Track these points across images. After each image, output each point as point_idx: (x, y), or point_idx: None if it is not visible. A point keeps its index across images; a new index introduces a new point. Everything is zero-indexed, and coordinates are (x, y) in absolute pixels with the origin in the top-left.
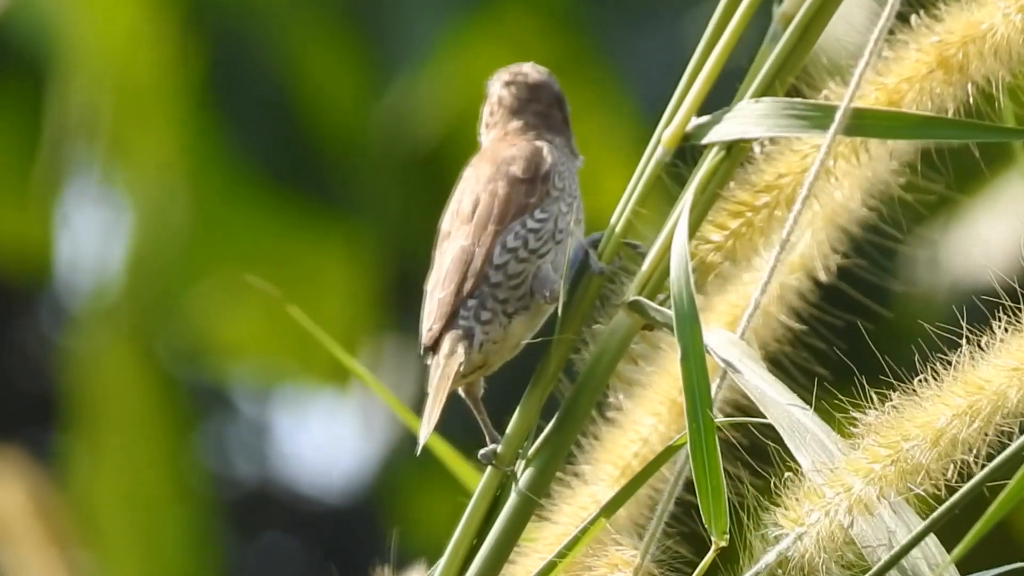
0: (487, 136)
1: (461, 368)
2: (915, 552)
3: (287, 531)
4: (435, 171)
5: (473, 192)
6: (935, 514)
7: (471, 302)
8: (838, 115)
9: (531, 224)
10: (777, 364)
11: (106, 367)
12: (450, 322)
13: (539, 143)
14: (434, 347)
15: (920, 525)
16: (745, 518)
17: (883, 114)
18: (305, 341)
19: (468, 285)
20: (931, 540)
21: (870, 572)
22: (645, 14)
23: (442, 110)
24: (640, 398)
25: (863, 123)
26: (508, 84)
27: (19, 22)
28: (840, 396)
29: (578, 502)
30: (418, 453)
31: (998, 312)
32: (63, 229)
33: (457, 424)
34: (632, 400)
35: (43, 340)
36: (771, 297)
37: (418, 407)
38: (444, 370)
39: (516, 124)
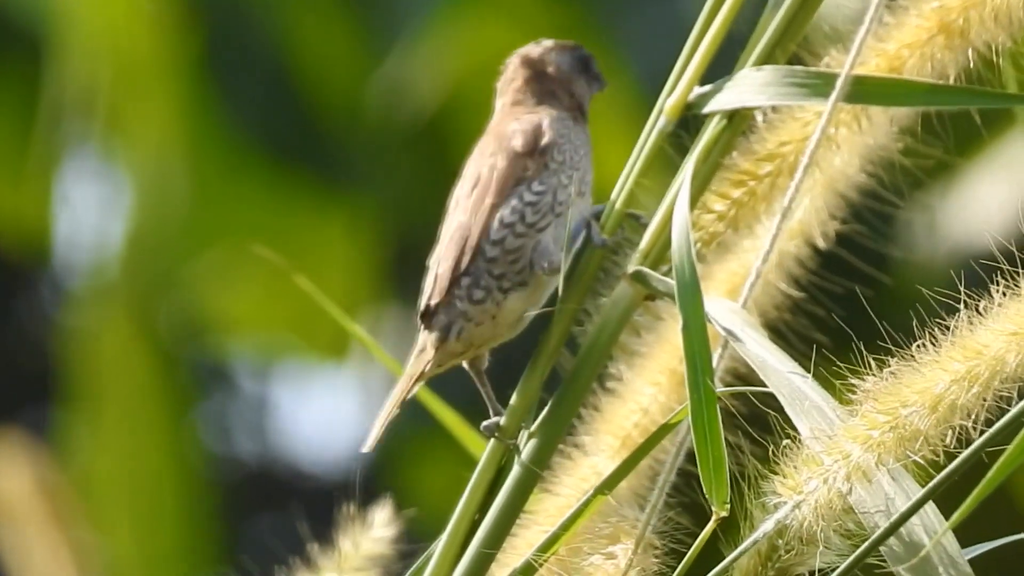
0: (497, 111)
1: (427, 368)
2: (914, 519)
3: (287, 508)
4: (434, 142)
5: (476, 167)
6: (934, 481)
7: (465, 280)
8: (839, 83)
9: (528, 197)
10: (776, 331)
11: (106, 344)
12: (447, 297)
13: (540, 116)
14: (428, 323)
15: (919, 492)
16: (746, 487)
17: (884, 81)
18: (305, 314)
19: (465, 260)
20: (930, 507)
21: (869, 540)
22: None
23: (441, 81)
24: (640, 368)
25: (864, 90)
26: (514, 60)
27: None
28: (839, 363)
29: (579, 473)
30: (366, 449)
31: (996, 277)
32: (62, 206)
33: (462, 394)
34: (632, 370)
35: (43, 318)
36: (770, 264)
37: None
38: (409, 370)
39: (520, 98)
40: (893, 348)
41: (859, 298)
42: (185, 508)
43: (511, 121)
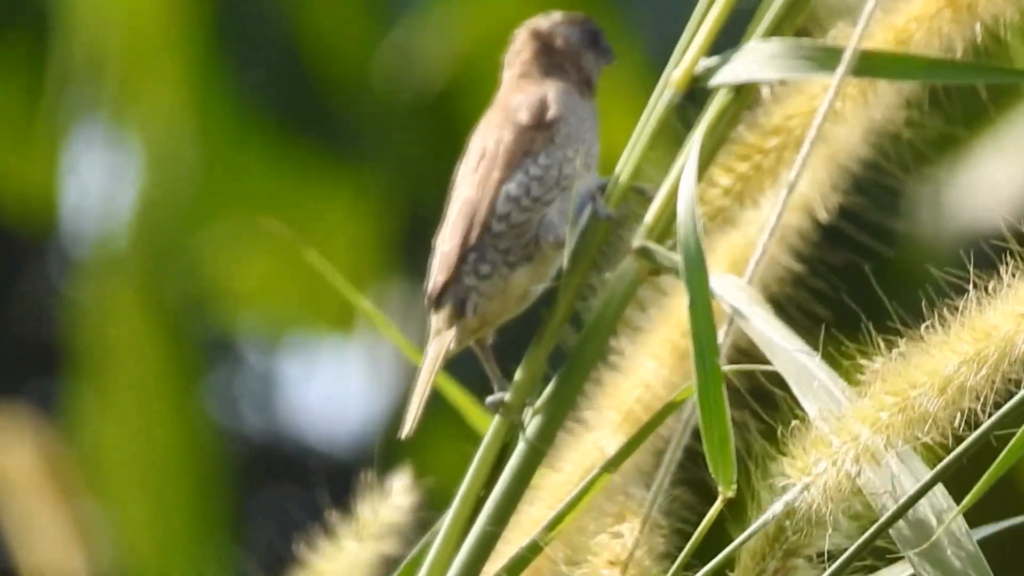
0: (503, 84)
1: (451, 346)
2: (923, 502)
3: (295, 482)
4: (443, 115)
5: (482, 141)
6: (943, 463)
7: (472, 255)
8: (846, 56)
9: (534, 171)
10: (779, 306)
11: (113, 316)
12: (455, 275)
13: (546, 88)
14: (438, 303)
15: (927, 474)
16: (752, 467)
17: (891, 56)
18: (312, 287)
19: (473, 236)
20: (939, 490)
21: (878, 522)
22: None
23: (449, 53)
24: (642, 343)
25: (872, 64)
26: (522, 32)
27: None
28: (846, 342)
29: (581, 448)
30: (403, 436)
31: (1005, 256)
32: (69, 176)
33: (471, 370)
34: (634, 345)
35: (50, 289)
36: (776, 239)
37: (423, 352)
38: (432, 352)
39: (527, 71)
40: (900, 327)
41: (864, 273)
42: (193, 481)
43: (517, 94)
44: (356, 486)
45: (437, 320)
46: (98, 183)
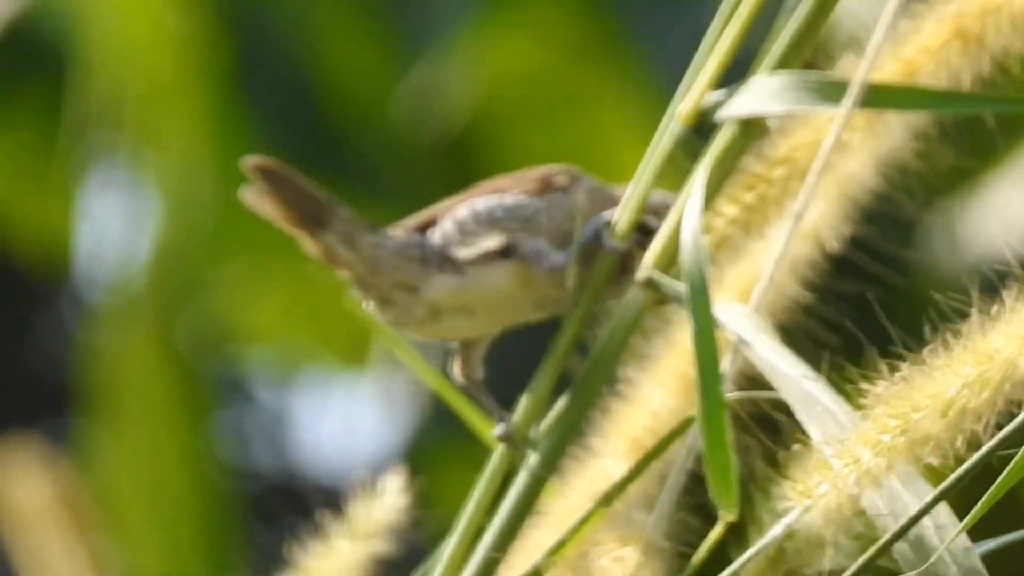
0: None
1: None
2: (925, 521)
3: (308, 519)
4: (461, 156)
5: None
6: (945, 483)
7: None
8: (853, 88)
9: (508, 200)
10: (787, 334)
11: (125, 357)
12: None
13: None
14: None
15: (929, 494)
16: (753, 490)
17: (898, 87)
18: (326, 326)
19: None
20: (942, 508)
21: (880, 542)
22: None
23: (468, 95)
24: (649, 372)
25: (879, 96)
26: None
27: (42, 9)
28: (849, 366)
29: (588, 475)
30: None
31: (1007, 281)
32: (84, 220)
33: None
34: (642, 373)
35: (64, 332)
36: (782, 268)
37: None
38: None
39: None
40: (904, 352)
41: (868, 301)
42: (204, 520)
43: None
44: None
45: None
46: (114, 227)
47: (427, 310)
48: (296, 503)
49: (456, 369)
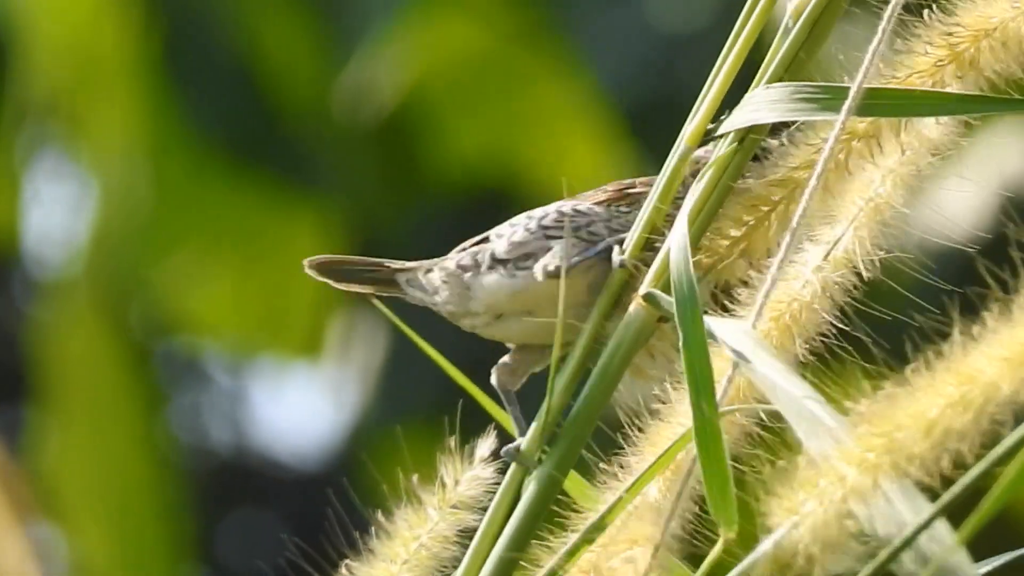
0: None
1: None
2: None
3: (261, 502)
4: (398, 141)
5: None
6: (942, 499)
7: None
8: (851, 93)
9: (565, 208)
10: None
11: (76, 339)
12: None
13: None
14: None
15: (928, 509)
16: (755, 503)
17: (895, 92)
18: (275, 313)
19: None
20: (939, 524)
21: (877, 559)
22: None
23: (404, 80)
24: (683, 389)
25: (876, 102)
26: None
27: None
28: (833, 383)
29: (620, 491)
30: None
31: (989, 302)
32: (31, 204)
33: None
34: (676, 391)
35: (15, 313)
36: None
37: (388, 379)
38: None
39: None
40: (886, 371)
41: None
42: (159, 503)
43: None
44: (323, 504)
45: None
46: (59, 211)
47: (487, 311)
48: (251, 485)
49: (498, 374)
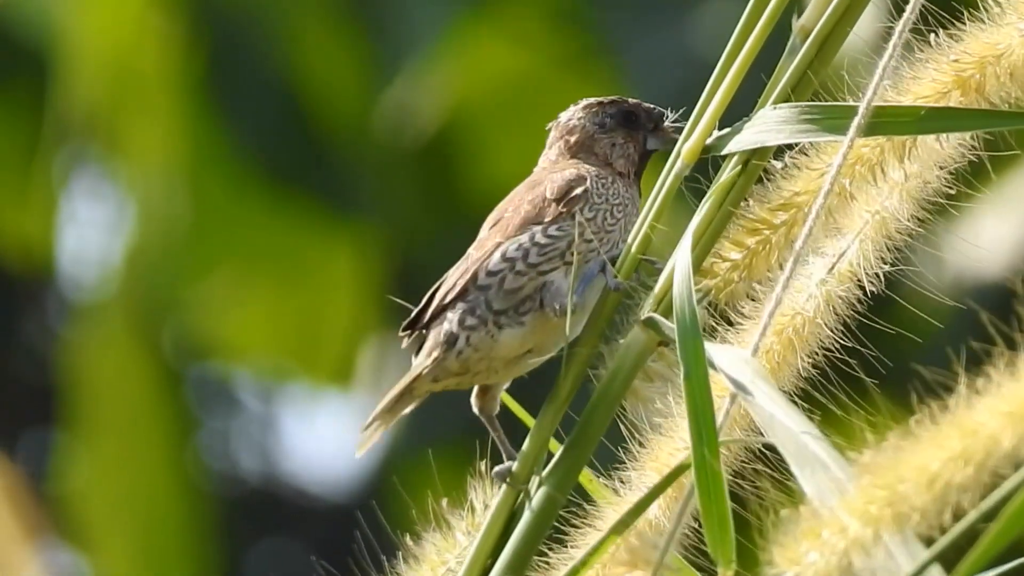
0: (539, 166)
1: (425, 372)
2: None
3: (290, 528)
4: (438, 164)
5: (503, 208)
6: (940, 542)
7: (460, 305)
8: (860, 112)
9: (539, 239)
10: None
11: (108, 361)
12: (434, 321)
13: (580, 170)
14: (420, 344)
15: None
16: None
17: (902, 109)
18: (308, 337)
19: (455, 290)
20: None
21: None
22: (648, 9)
23: (445, 104)
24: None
25: (882, 121)
26: (554, 123)
27: (20, 16)
28: (839, 431)
29: (623, 508)
30: (358, 455)
31: (992, 356)
32: (67, 223)
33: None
34: (677, 407)
35: (48, 334)
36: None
37: (420, 405)
38: (405, 377)
39: (556, 158)
40: (890, 422)
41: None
42: (187, 526)
43: (548, 171)
44: (352, 531)
45: (416, 358)
46: (95, 231)
47: (503, 364)
48: (279, 511)
49: (477, 402)
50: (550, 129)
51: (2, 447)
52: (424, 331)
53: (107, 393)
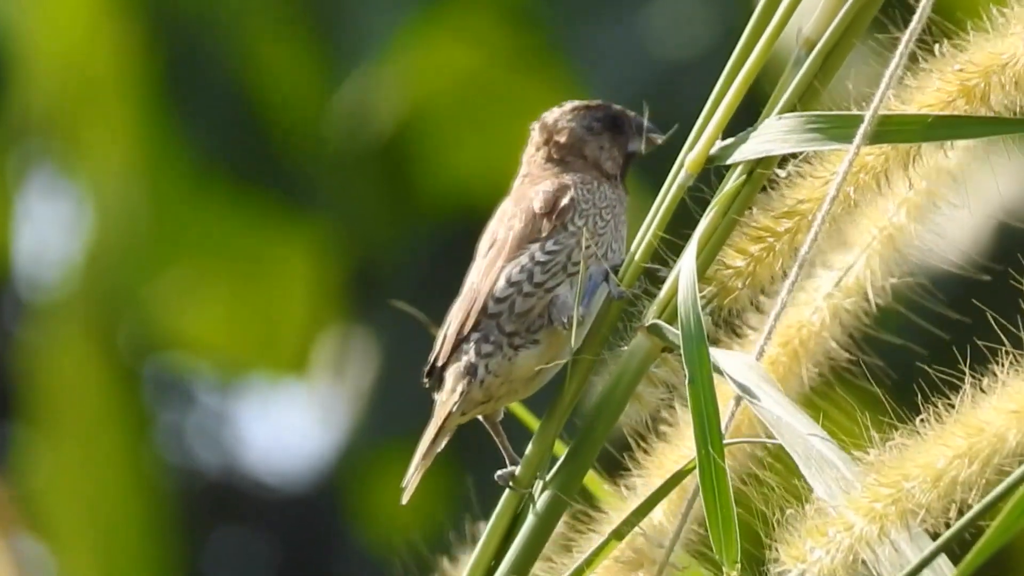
0: (521, 174)
1: (455, 409)
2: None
3: (247, 522)
4: (393, 163)
5: (496, 228)
6: (940, 539)
7: (474, 335)
8: (866, 120)
9: (539, 257)
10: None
11: (65, 359)
12: (453, 357)
13: (564, 179)
14: (439, 381)
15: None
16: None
17: (907, 117)
18: (265, 333)
19: (469, 323)
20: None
21: None
22: (601, 7)
23: (401, 103)
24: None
25: (887, 130)
26: (535, 124)
27: None
28: (844, 431)
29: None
30: (404, 501)
31: (999, 355)
32: (23, 223)
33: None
34: (683, 414)
35: (3, 333)
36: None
37: (379, 398)
38: (436, 417)
39: (541, 162)
40: (896, 423)
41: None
42: (145, 521)
43: (536, 184)
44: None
45: (440, 395)
46: (52, 231)
47: (522, 384)
48: (237, 505)
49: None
50: (532, 128)
51: None
52: (443, 371)
53: (64, 391)
